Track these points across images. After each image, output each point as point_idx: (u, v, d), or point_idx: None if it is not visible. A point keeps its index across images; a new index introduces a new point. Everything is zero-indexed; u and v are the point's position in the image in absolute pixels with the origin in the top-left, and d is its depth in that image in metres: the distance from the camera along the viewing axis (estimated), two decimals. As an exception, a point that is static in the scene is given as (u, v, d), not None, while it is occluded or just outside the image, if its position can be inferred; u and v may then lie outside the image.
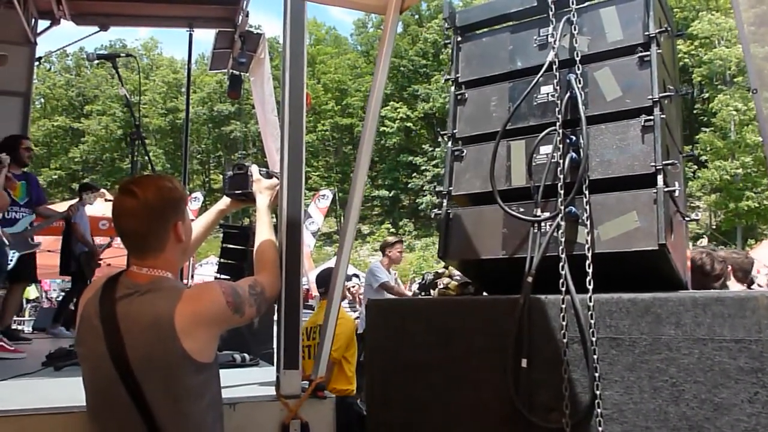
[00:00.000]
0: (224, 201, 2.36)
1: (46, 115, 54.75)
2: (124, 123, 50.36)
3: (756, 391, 1.71)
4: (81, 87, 57.14)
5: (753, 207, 33.05)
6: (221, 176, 2.47)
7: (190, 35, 7.15)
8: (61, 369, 3.25)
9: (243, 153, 54.20)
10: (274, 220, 2.32)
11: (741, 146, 33.71)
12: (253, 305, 1.88)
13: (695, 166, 34.53)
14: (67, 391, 2.30)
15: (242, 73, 6.95)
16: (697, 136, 34.87)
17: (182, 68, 51.89)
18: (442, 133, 2.69)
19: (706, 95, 37.70)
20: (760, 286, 5.03)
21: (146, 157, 4.72)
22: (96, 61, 4.67)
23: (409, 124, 50.61)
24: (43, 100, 54.98)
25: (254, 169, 2.31)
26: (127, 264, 1.91)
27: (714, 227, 35.08)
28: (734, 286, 4.21)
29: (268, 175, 2.31)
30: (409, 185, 48.75)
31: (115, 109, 52.26)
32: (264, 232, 2.18)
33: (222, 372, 1.87)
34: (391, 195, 49.37)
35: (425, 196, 46.16)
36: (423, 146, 50.35)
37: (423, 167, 47.82)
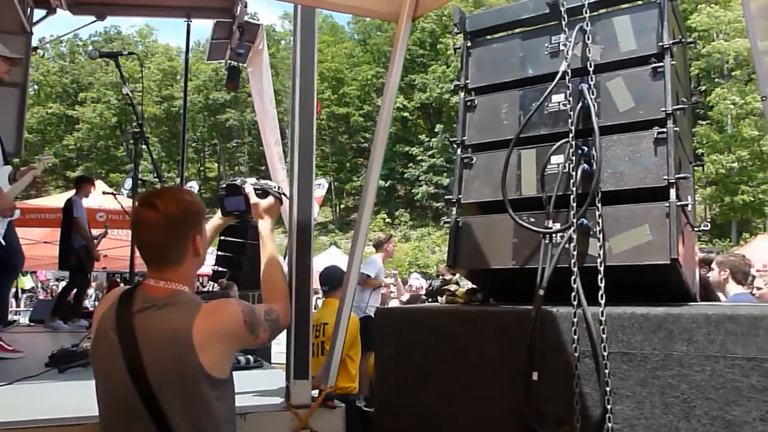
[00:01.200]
0: (219, 216, 2.31)
1: (40, 102, 54.31)
2: (119, 110, 50.11)
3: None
4: (75, 74, 56.74)
5: (748, 201, 33.09)
6: (217, 194, 2.38)
7: (188, 25, 7.10)
8: (65, 371, 3.24)
9: (238, 141, 53.91)
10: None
11: (737, 140, 33.71)
12: (267, 330, 1.88)
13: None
14: (75, 397, 2.29)
15: (240, 64, 6.91)
16: (694, 129, 34.77)
17: (177, 56, 51.46)
18: (451, 140, 2.68)
19: (704, 88, 37.63)
20: (759, 288, 5.07)
21: (145, 149, 4.68)
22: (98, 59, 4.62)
23: (405, 114, 50.37)
24: (36, 87, 54.52)
25: (249, 189, 2.21)
26: (133, 274, 1.89)
27: (709, 220, 35.14)
28: (735, 289, 4.26)
29: (264, 193, 2.22)
30: (405, 175, 48.65)
31: (109, 97, 51.95)
32: (270, 257, 2.13)
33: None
34: (387, 185, 49.21)
35: (421, 186, 46.13)
36: (419, 136, 50.18)
37: (419, 157, 47.71)
